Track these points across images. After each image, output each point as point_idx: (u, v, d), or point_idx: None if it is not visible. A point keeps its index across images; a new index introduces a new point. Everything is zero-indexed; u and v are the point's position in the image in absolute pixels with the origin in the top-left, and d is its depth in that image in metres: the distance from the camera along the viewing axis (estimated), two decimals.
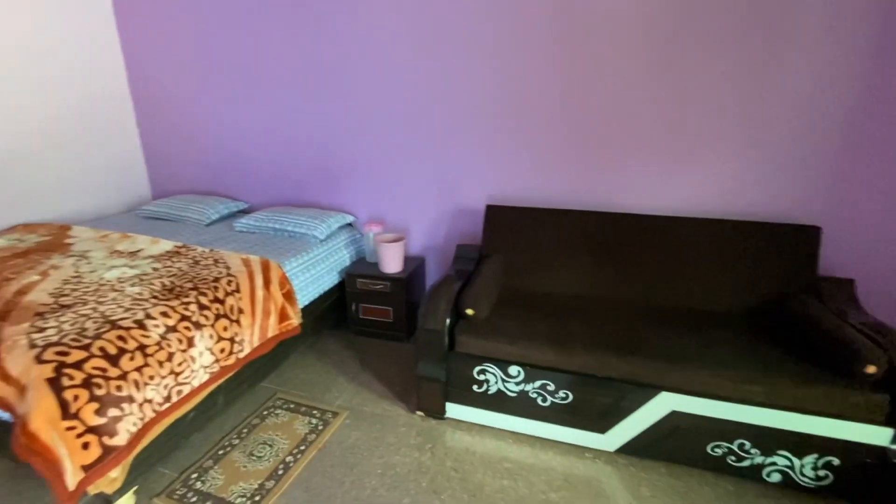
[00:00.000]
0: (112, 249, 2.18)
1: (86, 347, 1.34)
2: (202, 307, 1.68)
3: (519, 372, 1.79)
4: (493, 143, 2.45)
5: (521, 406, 1.83)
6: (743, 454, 1.61)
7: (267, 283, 1.96)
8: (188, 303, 1.66)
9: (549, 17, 2.17)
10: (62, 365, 1.28)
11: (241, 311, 1.82)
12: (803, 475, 1.57)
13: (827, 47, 1.89)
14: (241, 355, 1.81)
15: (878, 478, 1.49)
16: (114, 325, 1.45)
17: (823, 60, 1.91)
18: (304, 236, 2.51)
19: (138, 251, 2.16)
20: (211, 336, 1.68)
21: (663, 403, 1.64)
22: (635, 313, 1.98)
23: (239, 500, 1.57)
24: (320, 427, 1.92)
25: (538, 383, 1.78)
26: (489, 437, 1.88)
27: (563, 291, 2.21)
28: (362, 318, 2.61)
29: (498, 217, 2.39)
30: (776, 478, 1.60)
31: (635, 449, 1.73)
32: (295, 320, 2.07)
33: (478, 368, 1.84)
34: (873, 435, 1.47)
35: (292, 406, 2.05)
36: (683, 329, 1.84)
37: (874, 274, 2.05)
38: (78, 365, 1.30)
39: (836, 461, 1.52)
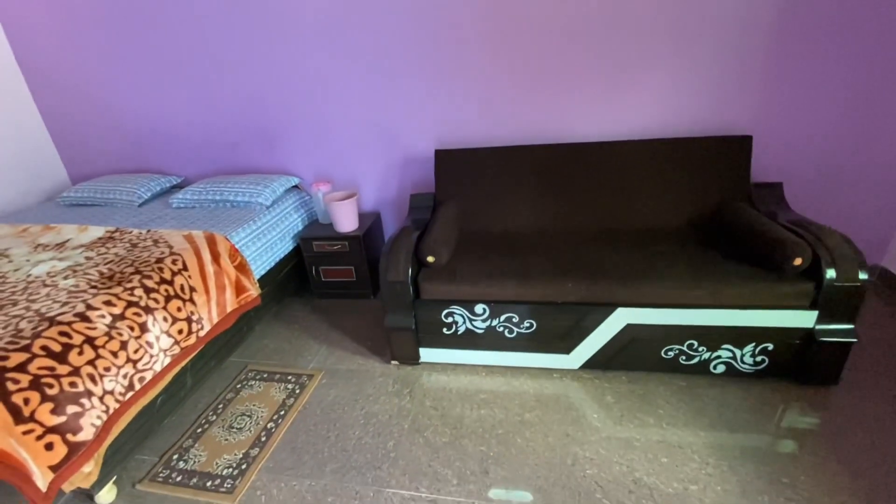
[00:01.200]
0: (35, 244, 2.00)
1: (25, 349, 1.26)
2: (149, 290, 1.60)
3: (484, 310, 1.85)
4: (433, 86, 2.36)
5: (489, 340, 1.91)
6: (692, 353, 1.77)
7: (216, 257, 1.87)
8: (133, 288, 1.57)
9: None
10: (3, 370, 1.20)
11: (193, 289, 1.74)
12: (744, 363, 1.75)
13: None
14: (202, 333, 1.75)
15: (806, 355, 1.68)
16: (52, 321, 1.36)
17: None
18: (249, 204, 2.39)
19: (65, 242, 1.99)
20: (165, 319, 1.61)
21: (619, 319, 1.76)
22: (588, 239, 2.06)
23: (226, 471, 1.59)
24: (297, 391, 1.93)
25: (503, 317, 1.84)
26: (464, 373, 1.96)
27: (519, 227, 2.25)
28: (325, 281, 2.58)
29: (448, 161, 2.35)
30: (721, 369, 1.78)
31: (598, 363, 1.86)
32: (253, 291, 2.01)
33: (445, 312, 1.88)
34: (802, 319, 1.64)
35: (265, 375, 2.04)
36: (633, 247, 1.94)
37: (799, 175, 2.20)
38: (21, 367, 1.22)
39: (770, 346, 1.70)
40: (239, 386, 1.99)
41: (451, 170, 2.35)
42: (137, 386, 1.48)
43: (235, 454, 1.65)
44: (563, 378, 1.90)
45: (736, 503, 1.34)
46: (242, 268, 2.00)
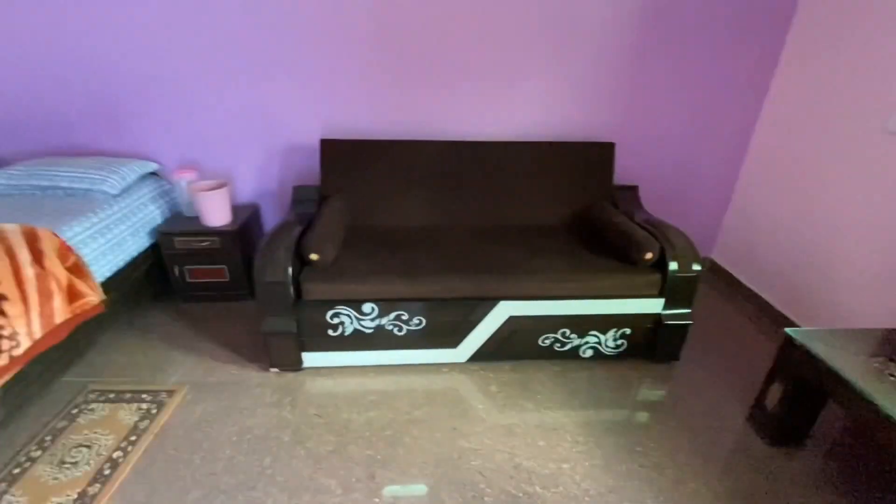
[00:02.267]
0: None
1: None
2: None
3: (373, 308, 1.79)
4: (320, 71, 2.21)
5: (378, 340, 1.86)
6: (565, 340, 1.92)
7: (38, 256, 1.52)
8: None
9: None
10: None
11: (2, 297, 1.40)
12: (607, 346, 1.95)
13: None
14: (18, 352, 1.42)
15: (655, 337, 1.93)
16: None
17: (612, 5, 2.13)
18: (89, 192, 2.00)
19: None
20: None
21: (502, 311, 1.83)
22: (472, 235, 2.11)
23: None
24: (154, 411, 1.67)
25: (392, 315, 1.81)
26: (351, 376, 1.88)
27: (407, 223, 2.23)
28: (191, 282, 2.28)
29: (334, 152, 2.23)
30: (589, 353, 1.97)
31: (483, 355, 1.92)
32: (93, 297, 1.69)
33: (330, 313, 1.78)
34: (652, 306, 1.88)
35: (112, 396, 1.73)
36: (514, 243, 2.04)
37: (652, 179, 2.52)
38: None
39: (628, 331, 1.92)
40: (75, 411, 1.66)
41: (337, 161, 2.23)
42: None
43: (68, 495, 1.37)
44: (451, 371, 1.92)
45: (601, 475, 1.48)
46: (77, 269, 1.66)
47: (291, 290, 1.74)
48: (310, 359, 1.88)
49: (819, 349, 1.44)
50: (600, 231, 2.11)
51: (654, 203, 2.53)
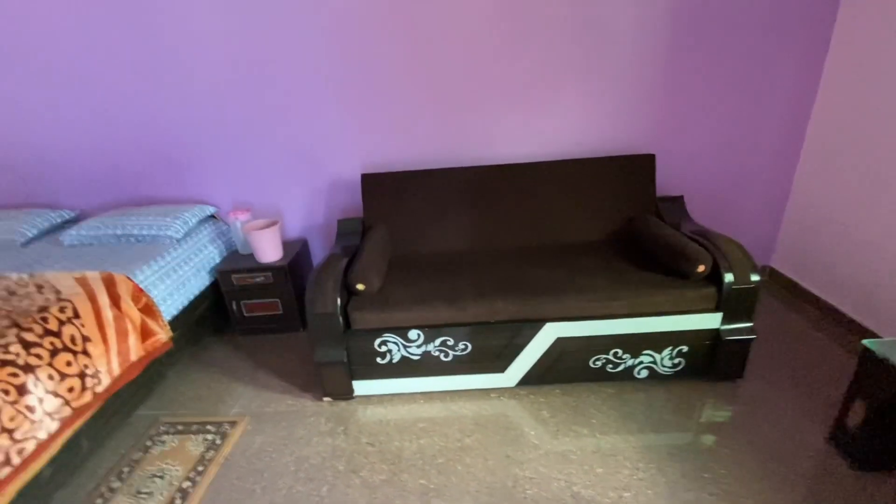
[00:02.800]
0: None
1: None
2: (28, 345, 1.38)
3: (419, 335, 1.81)
4: (358, 110, 2.33)
5: (426, 366, 1.87)
6: (617, 360, 1.85)
7: (115, 300, 1.67)
8: (6, 344, 1.35)
9: None
10: None
11: (87, 339, 1.54)
12: (663, 366, 1.87)
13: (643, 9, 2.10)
14: (100, 389, 1.55)
15: (714, 354, 1.83)
16: None
17: (641, 15, 2.12)
18: (157, 238, 2.18)
19: None
20: (51, 377, 1.40)
21: (549, 333, 1.80)
22: (514, 257, 2.11)
23: None
24: (218, 442, 1.76)
25: (438, 341, 1.82)
26: (401, 403, 1.90)
27: (447, 249, 2.26)
28: (248, 317, 2.40)
29: (375, 185, 2.32)
30: (644, 374, 1.88)
31: (532, 378, 1.89)
32: (162, 335, 1.82)
33: (378, 341, 1.82)
34: (709, 321, 1.79)
35: (181, 428, 1.84)
36: (556, 263, 2.01)
37: (697, 189, 2.43)
38: None
39: (685, 349, 1.83)
40: (148, 443, 1.77)
41: (378, 194, 2.32)
42: (17, 460, 1.27)
43: None
44: (500, 397, 1.90)
45: None
46: (149, 309, 1.81)
47: (341, 320, 1.80)
48: (360, 387, 1.92)
49: None
50: (646, 245, 2.05)
51: (702, 214, 2.44)
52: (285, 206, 2.57)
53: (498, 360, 1.86)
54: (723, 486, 1.44)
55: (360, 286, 1.82)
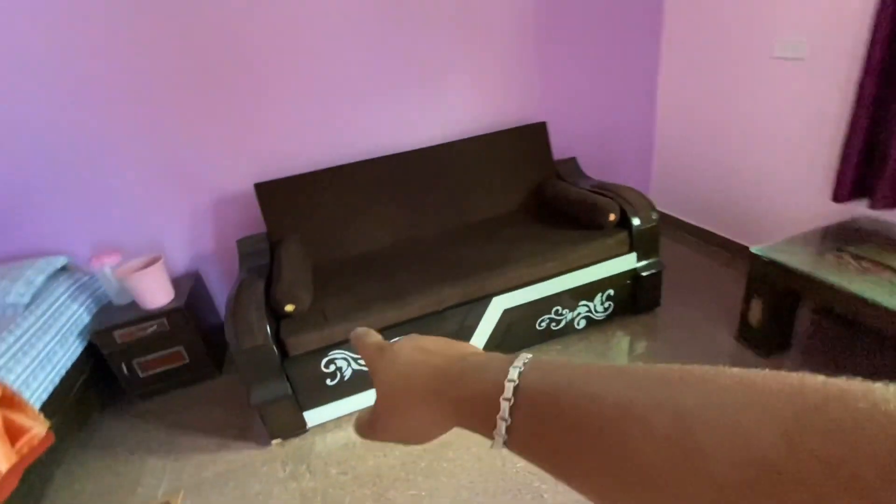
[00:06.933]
0: None
1: None
2: None
3: None
4: (234, 113, 2.04)
5: None
6: (559, 318, 1.95)
7: None
8: None
9: None
10: None
11: None
12: (597, 312, 2.01)
13: None
14: None
15: (636, 290, 2.02)
16: None
17: None
18: None
19: None
20: None
21: (496, 307, 1.82)
22: (441, 241, 2.07)
23: None
24: None
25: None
26: None
27: (371, 247, 2.13)
28: (145, 377, 1.99)
29: (273, 194, 2.07)
30: (583, 324, 2.01)
31: None
32: (37, 428, 1.41)
33: (324, 361, 1.65)
34: (627, 262, 1.97)
35: None
36: (483, 239, 2.03)
37: (585, 148, 2.65)
38: None
39: (612, 292, 1.99)
40: None
41: (280, 202, 2.07)
42: None
43: None
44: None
45: None
46: (9, 402, 1.38)
47: (275, 349, 1.58)
48: (313, 416, 1.72)
49: (784, 258, 1.59)
50: (559, 205, 2.17)
51: (593, 170, 2.66)
52: (164, 238, 2.17)
53: None
54: None
55: (289, 307, 1.61)
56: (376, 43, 2.11)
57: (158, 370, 2.00)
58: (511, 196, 2.34)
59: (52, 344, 1.71)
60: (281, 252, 1.91)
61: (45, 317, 1.75)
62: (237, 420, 1.85)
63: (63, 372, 1.73)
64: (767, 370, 0.19)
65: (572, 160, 2.50)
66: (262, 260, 1.97)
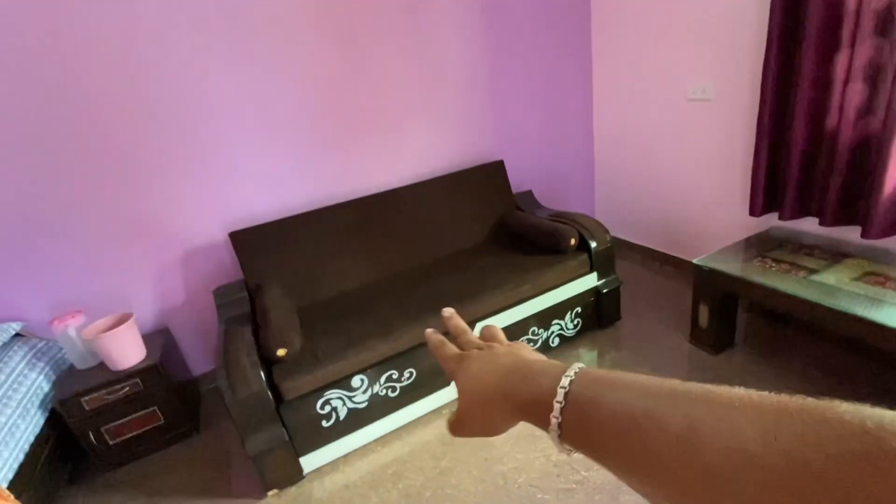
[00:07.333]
0: None
1: None
2: None
3: (363, 380, 1.72)
4: (200, 165, 2.06)
5: (375, 411, 1.78)
6: (535, 337, 2.10)
7: None
8: None
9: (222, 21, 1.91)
10: None
11: None
12: (568, 329, 2.19)
13: (463, 30, 2.42)
14: None
15: (598, 305, 2.23)
16: None
17: (464, 39, 2.43)
18: None
19: None
20: None
21: (478, 333, 1.92)
22: (419, 275, 2.18)
23: None
24: None
25: (384, 378, 1.76)
26: (358, 460, 1.76)
27: (352, 287, 2.18)
28: (115, 444, 1.86)
29: (250, 241, 2.08)
30: (557, 341, 2.17)
31: None
32: None
33: (320, 402, 1.66)
34: (589, 281, 2.17)
35: None
36: (459, 270, 2.16)
37: (539, 182, 2.89)
38: None
39: (579, 309, 2.18)
40: None
41: (257, 249, 2.09)
42: None
43: None
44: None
45: None
46: None
47: (270, 395, 1.58)
48: (309, 462, 1.71)
49: (721, 266, 1.85)
50: (523, 235, 2.36)
51: (545, 199, 2.91)
52: (130, 294, 2.09)
53: (442, 375, 1.88)
54: None
55: (281, 352, 1.63)
56: (340, 94, 2.24)
57: (131, 434, 1.88)
58: (477, 229, 2.50)
59: (13, 417, 1.58)
60: (264, 297, 1.91)
61: (4, 388, 1.62)
62: (225, 476, 1.78)
63: (27, 447, 1.59)
64: (765, 392, 0.24)
65: (529, 192, 2.73)
66: (240, 309, 1.96)
